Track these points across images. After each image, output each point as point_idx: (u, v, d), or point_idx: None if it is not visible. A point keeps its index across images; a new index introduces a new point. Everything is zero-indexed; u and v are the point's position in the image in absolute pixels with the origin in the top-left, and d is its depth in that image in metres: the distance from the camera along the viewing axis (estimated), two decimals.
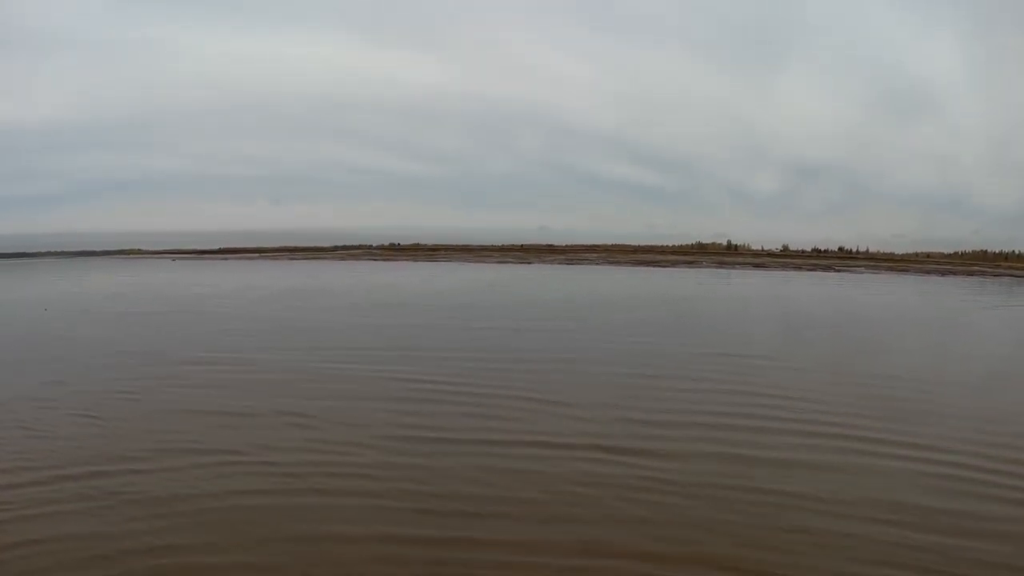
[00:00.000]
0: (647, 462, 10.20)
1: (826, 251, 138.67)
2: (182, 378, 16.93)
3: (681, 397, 14.62)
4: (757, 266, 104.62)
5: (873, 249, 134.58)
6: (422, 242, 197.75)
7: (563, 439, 11.40)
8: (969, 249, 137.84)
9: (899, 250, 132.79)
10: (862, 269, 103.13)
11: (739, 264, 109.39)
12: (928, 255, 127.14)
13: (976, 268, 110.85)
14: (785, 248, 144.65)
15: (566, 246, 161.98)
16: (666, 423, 12.45)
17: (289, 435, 11.91)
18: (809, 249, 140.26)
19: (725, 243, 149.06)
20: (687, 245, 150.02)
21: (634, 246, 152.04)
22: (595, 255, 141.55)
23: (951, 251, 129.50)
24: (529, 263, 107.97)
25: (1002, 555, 7.31)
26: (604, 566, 7.06)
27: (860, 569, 7.00)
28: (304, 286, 51.54)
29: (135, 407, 14.06)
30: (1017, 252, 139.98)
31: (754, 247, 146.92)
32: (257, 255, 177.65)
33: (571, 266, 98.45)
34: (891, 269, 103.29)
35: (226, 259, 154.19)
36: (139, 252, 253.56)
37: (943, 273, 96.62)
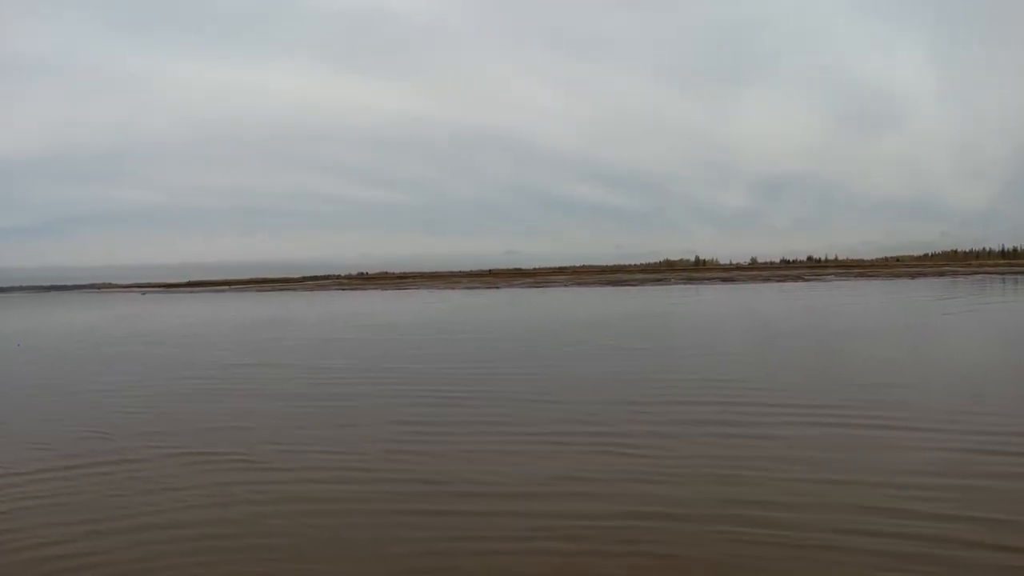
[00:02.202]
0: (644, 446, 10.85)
1: (795, 261, 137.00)
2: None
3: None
4: (726, 280, 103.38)
5: (842, 257, 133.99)
6: (390, 270, 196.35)
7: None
8: (939, 251, 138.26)
9: (868, 256, 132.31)
10: (832, 277, 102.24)
11: (708, 279, 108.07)
12: (898, 259, 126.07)
13: (947, 268, 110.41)
14: (754, 261, 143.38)
15: (534, 269, 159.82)
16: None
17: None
18: (778, 260, 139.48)
19: (693, 259, 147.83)
20: (655, 263, 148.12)
21: (601, 267, 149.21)
22: (564, 277, 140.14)
23: (920, 254, 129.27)
24: (497, 288, 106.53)
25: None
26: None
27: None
28: (288, 317, 50.58)
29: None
30: (988, 250, 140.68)
31: (722, 261, 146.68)
32: (226, 287, 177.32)
33: (539, 289, 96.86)
34: (861, 275, 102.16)
35: (194, 292, 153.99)
36: (111, 286, 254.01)
37: (913, 276, 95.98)
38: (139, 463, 10.63)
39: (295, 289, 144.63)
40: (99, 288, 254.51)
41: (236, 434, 12.42)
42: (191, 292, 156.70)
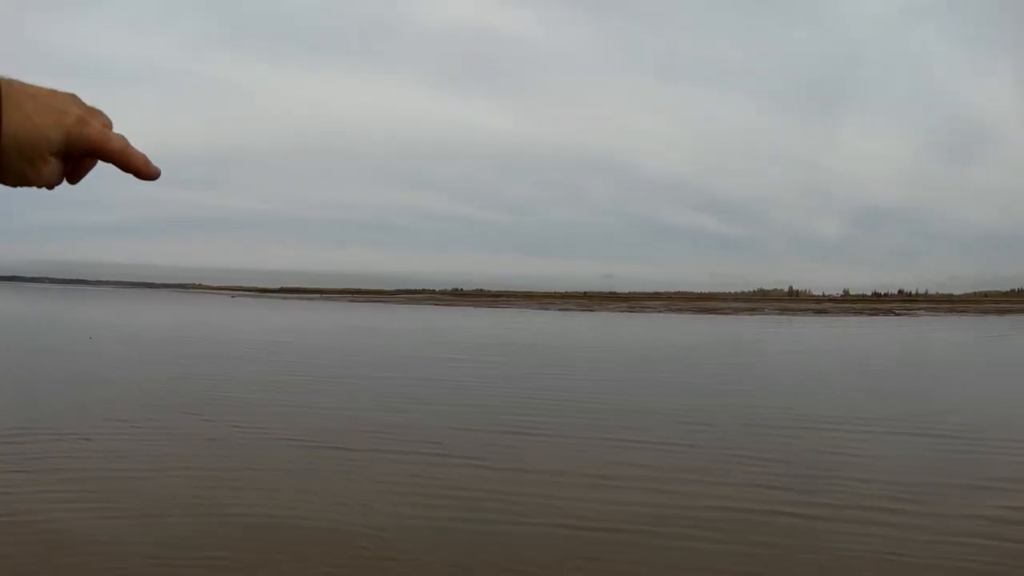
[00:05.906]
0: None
1: (886, 295, 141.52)
2: None
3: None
4: (818, 312, 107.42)
5: (932, 291, 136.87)
6: (486, 288, 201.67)
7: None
8: None
9: (957, 291, 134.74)
10: (922, 312, 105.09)
11: (800, 311, 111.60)
12: (985, 295, 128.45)
13: None
14: (846, 293, 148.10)
15: (629, 294, 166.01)
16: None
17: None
18: (870, 293, 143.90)
19: (787, 290, 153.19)
20: (749, 292, 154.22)
21: (696, 294, 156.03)
22: (658, 303, 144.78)
23: (1007, 289, 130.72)
24: (592, 311, 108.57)
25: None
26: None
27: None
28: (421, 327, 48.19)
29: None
30: None
31: (815, 293, 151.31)
32: (318, 296, 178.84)
33: (633, 314, 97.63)
34: (951, 311, 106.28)
35: (286, 299, 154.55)
36: (199, 287, 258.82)
37: (1001, 312, 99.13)
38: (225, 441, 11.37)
39: (389, 303, 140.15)
40: (187, 288, 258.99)
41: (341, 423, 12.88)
42: (282, 298, 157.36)
